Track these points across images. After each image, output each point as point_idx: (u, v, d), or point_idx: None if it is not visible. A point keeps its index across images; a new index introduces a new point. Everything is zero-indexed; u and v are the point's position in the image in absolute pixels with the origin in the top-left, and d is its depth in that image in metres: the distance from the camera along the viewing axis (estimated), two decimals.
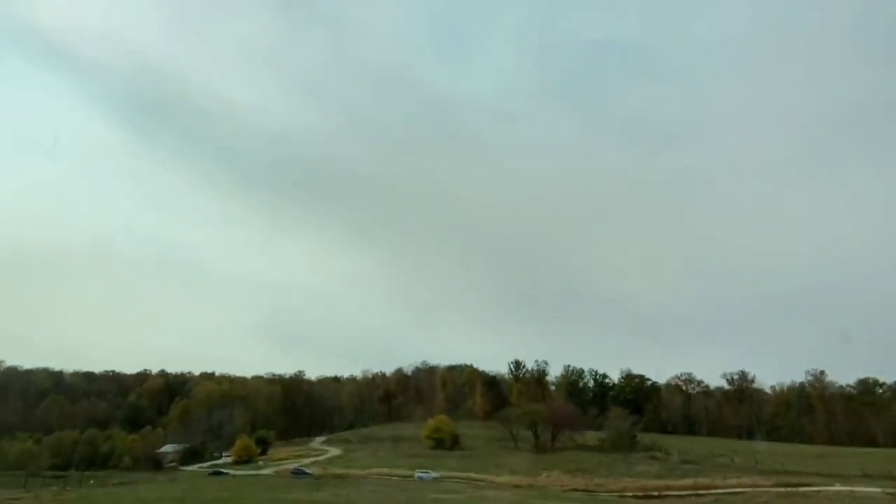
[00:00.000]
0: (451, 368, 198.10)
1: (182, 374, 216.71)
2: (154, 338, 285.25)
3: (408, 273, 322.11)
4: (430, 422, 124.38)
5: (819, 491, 72.13)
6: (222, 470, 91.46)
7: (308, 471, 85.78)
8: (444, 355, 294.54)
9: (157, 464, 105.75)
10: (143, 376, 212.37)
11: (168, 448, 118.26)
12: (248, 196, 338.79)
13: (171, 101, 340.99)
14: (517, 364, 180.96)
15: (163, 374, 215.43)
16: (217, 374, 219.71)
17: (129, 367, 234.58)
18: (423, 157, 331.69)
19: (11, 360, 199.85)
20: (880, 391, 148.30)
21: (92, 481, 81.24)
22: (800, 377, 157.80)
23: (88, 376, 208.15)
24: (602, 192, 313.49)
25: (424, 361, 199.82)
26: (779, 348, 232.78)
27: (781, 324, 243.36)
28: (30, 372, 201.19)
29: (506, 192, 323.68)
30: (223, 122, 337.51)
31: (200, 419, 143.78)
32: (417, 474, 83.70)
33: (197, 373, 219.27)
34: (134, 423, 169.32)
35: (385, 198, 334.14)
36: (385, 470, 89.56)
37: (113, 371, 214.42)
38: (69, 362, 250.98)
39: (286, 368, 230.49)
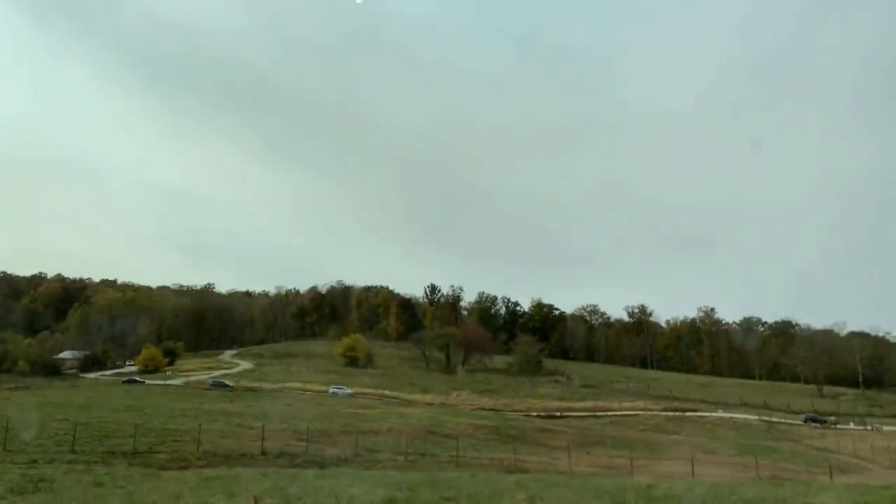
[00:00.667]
0: (367, 289, 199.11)
1: (81, 280, 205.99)
2: (51, 242, 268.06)
3: (325, 192, 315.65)
4: (345, 340, 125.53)
5: (703, 416, 79.48)
6: (137, 378, 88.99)
7: (228, 383, 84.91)
8: (359, 276, 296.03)
9: (54, 370, 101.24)
10: (37, 280, 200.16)
11: (67, 354, 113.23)
12: (156, 95, 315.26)
13: None
14: (433, 288, 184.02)
15: (60, 278, 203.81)
16: (119, 282, 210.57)
17: (23, 269, 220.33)
18: (349, 73, 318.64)
19: None
20: (761, 329, 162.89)
21: None
22: (693, 313, 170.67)
23: None
24: (527, 126, 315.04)
25: (340, 281, 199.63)
26: (676, 287, 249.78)
27: (681, 263, 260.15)
28: None
29: (431, 117, 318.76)
30: (127, 6, 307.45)
31: (102, 327, 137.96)
32: (332, 390, 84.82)
33: (97, 279, 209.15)
34: (30, 327, 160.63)
35: (307, 112, 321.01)
36: (299, 384, 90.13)
37: (4, 272, 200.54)
38: None
39: (195, 281, 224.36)
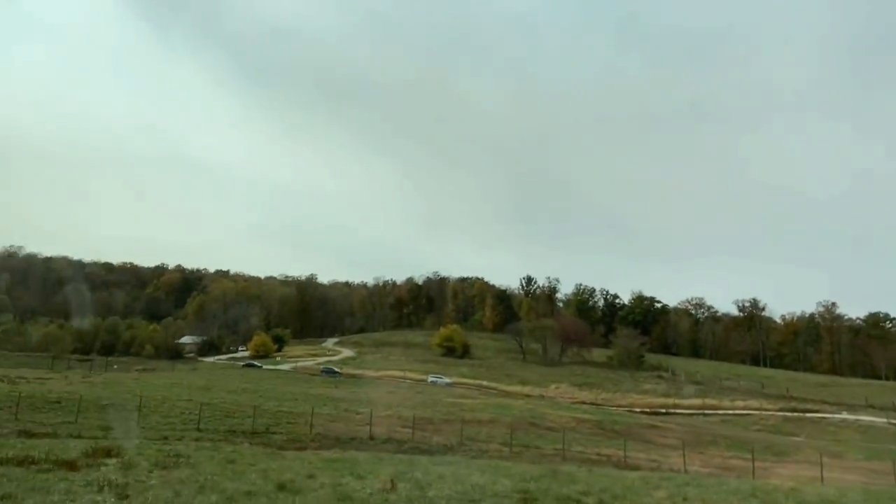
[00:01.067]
0: (462, 280, 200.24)
1: (198, 271, 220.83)
2: (170, 234, 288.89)
3: (421, 184, 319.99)
4: (442, 330, 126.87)
5: (825, 417, 73.69)
6: (255, 363, 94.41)
7: (336, 369, 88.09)
8: (455, 267, 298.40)
9: (176, 354, 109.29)
10: (160, 270, 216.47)
11: (187, 339, 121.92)
12: (261, 95, 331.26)
13: None
14: (528, 280, 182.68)
15: (179, 269, 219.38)
16: (232, 272, 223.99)
17: (147, 260, 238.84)
18: (440, 65, 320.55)
19: (31, 248, 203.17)
20: (889, 325, 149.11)
21: (116, 366, 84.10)
22: (811, 308, 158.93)
23: (107, 267, 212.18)
24: (625, 112, 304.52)
25: (436, 272, 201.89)
26: (793, 280, 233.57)
27: (799, 256, 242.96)
28: (50, 259, 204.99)
29: (525, 107, 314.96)
30: (235, 13, 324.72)
31: (216, 314, 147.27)
32: (430, 378, 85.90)
33: (212, 270, 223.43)
34: (152, 314, 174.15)
35: (401, 105, 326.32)
36: (398, 373, 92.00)
37: (131, 263, 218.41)
38: (88, 253, 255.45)
39: (297, 272, 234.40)
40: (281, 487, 10.00)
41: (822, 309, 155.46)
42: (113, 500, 8.14)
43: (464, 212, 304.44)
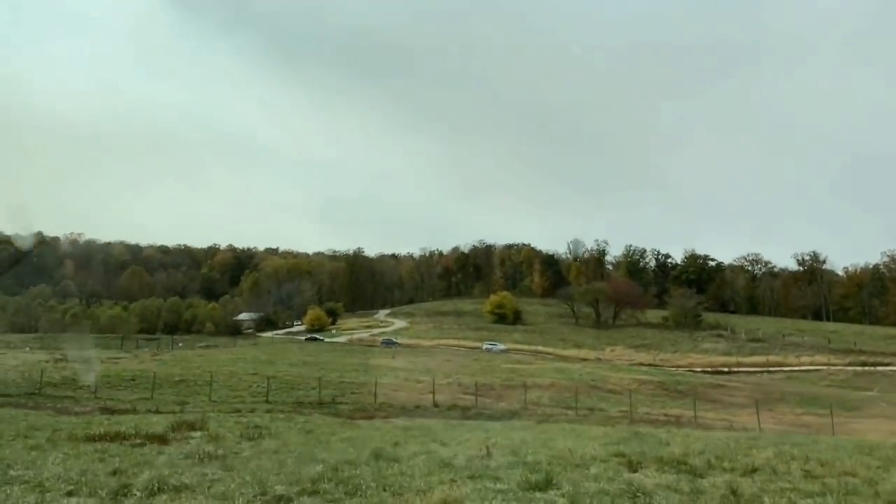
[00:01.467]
0: (509, 247, 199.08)
1: (249, 250, 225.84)
2: (219, 215, 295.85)
3: (463, 152, 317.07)
4: (493, 297, 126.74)
5: None
6: (317, 336, 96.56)
7: (396, 340, 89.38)
8: (500, 234, 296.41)
9: (235, 330, 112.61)
10: (213, 250, 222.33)
11: (244, 316, 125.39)
12: (294, 73, 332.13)
13: None
14: (576, 243, 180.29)
15: (231, 248, 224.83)
16: (281, 250, 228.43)
17: (200, 241, 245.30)
18: (473, 30, 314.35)
19: (90, 234, 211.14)
20: None
21: (181, 344, 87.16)
22: (875, 259, 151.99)
23: (163, 249, 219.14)
24: (668, 67, 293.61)
25: (482, 240, 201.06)
26: (855, 231, 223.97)
27: (858, 205, 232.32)
28: (108, 245, 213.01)
29: (562, 68, 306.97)
30: None
31: (271, 291, 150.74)
32: (485, 346, 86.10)
33: (262, 248, 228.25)
34: (208, 293, 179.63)
35: (435, 73, 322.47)
36: (452, 341, 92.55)
37: (185, 245, 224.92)
38: (144, 237, 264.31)
39: (345, 246, 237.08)
40: (377, 456, 9.81)
41: (886, 259, 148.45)
42: (220, 471, 8.05)
43: (505, 178, 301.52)
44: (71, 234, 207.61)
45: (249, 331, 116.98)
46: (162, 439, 13.62)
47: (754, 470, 8.74)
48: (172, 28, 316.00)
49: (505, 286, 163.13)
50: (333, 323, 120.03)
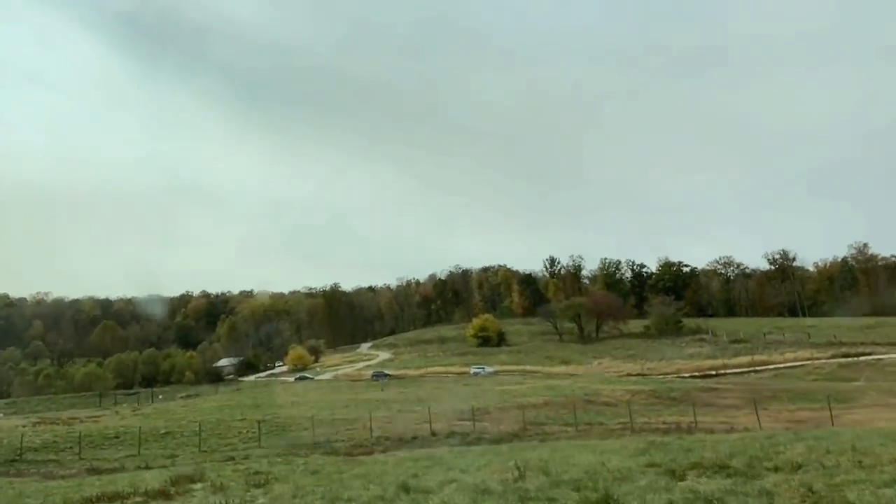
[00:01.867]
0: (486, 270, 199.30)
1: (223, 294, 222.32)
2: (189, 262, 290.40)
3: (429, 180, 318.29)
4: (475, 321, 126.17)
5: (881, 359, 71.91)
6: (307, 375, 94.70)
7: (387, 372, 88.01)
8: (476, 258, 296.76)
9: (216, 377, 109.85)
10: (186, 298, 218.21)
11: (224, 362, 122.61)
12: (258, 114, 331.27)
13: (169, 22, 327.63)
14: (552, 261, 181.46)
15: (204, 294, 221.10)
16: (255, 291, 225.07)
17: (171, 290, 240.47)
18: (430, 60, 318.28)
19: (58, 292, 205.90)
20: None
21: (161, 396, 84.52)
22: (843, 252, 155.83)
23: (134, 302, 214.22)
24: (621, 79, 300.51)
25: (457, 265, 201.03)
26: (820, 226, 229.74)
27: (822, 201, 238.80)
28: (77, 301, 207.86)
29: (518, 89, 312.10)
30: (222, 39, 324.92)
31: (248, 333, 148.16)
32: (473, 370, 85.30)
33: (236, 291, 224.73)
34: (185, 341, 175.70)
35: (395, 106, 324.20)
36: (439, 368, 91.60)
37: (157, 294, 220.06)
38: (113, 290, 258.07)
39: (320, 282, 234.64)
40: (405, 489, 9.31)
41: (854, 251, 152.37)
42: None
43: (476, 203, 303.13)
44: (37, 293, 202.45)
45: (230, 376, 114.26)
46: (165, 495, 12.86)
47: (799, 467, 8.45)
48: (128, 79, 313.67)
49: (485, 309, 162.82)
50: (316, 360, 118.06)
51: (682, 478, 8.30)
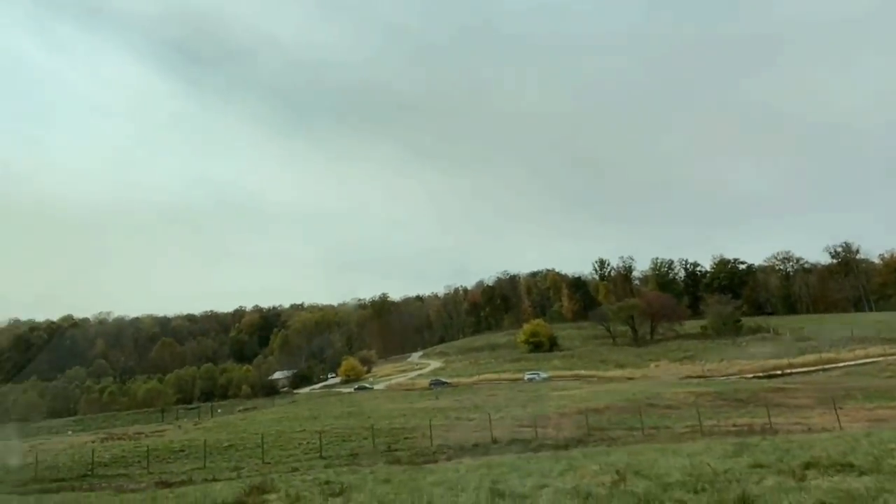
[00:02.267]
0: (534, 275, 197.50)
1: (274, 308, 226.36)
2: (243, 278, 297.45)
3: (475, 187, 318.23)
4: (526, 326, 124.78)
5: None
6: (366, 385, 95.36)
7: (445, 380, 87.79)
8: (523, 264, 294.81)
9: (272, 390, 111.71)
10: (240, 313, 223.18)
11: (278, 375, 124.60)
12: (303, 130, 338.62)
13: (215, 45, 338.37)
14: (601, 263, 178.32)
15: (257, 309, 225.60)
16: (306, 304, 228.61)
17: (225, 306, 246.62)
18: (473, 67, 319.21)
19: (119, 311, 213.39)
20: None
21: (220, 410, 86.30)
22: None
23: (190, 318, 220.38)
24: (665, 78, 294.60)
25: (505, 271, 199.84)
26: (886, 216, 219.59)
27: (886, 191, 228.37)
28: (137, 320, 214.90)
29: (564, 93, 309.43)
30: (267, 59, 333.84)
31: (301, 346, 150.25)
32: (527, 376, 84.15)
33: (287, 305, 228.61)
34: (239, 356, 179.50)
35: (438, 115, 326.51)
36: (492, 375, 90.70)
37: (212, 311, 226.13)
38: (171, 308, 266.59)
39: (368, 293, 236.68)
40: (499, 495, 8.85)
41: None
42: None
43: (522, 208, 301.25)
44: (99, 313, 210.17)
45: (285, 389, 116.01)
46: None
47: None
48: (174, 102, 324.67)
49: (535, 314, 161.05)
50: (368, 371, 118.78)
51: (803, 478, 7.60)
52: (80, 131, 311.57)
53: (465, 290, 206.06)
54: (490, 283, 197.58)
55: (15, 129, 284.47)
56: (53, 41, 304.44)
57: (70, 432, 72.37)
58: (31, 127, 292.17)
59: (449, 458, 30.41)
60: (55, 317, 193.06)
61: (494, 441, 35.45)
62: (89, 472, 33.24)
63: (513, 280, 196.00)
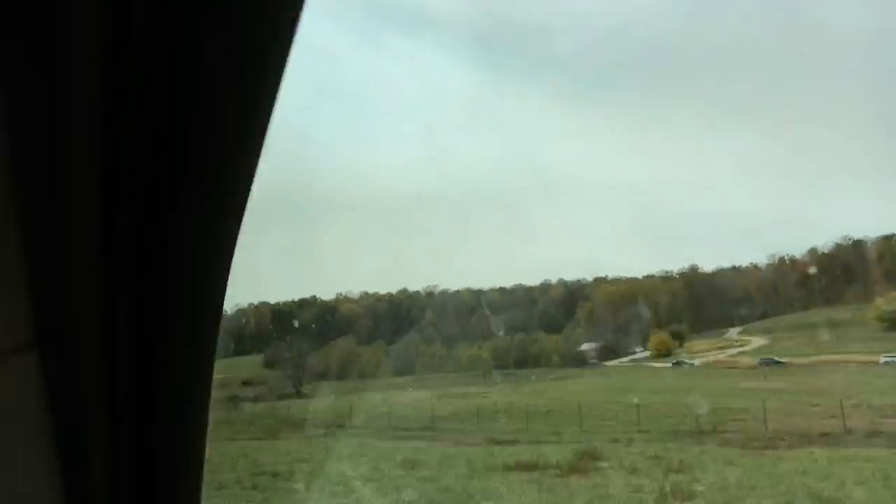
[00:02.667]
0: (887, 238, 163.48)
1: (578, 281, 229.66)
2: (545, 252, 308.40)
3: (791, 145, 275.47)
4: (879, 300, 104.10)
5: None
6: (685, 361, 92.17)
7: (778, 359, 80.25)
8: (868, 226, 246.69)
9: (581, 360, 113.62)
10: (545, 286, 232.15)
11: (586, 346, 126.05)
12: (601, 100, 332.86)
13: (509, 28, 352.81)
14: None
15: (562, 282, 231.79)
16: (609, 277, 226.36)
17: (531, 280, 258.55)
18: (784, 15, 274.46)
19: (444, 284, 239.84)
20: None
21: (534, 377, 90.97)
22: None
23: (502, 291, 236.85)
24: None
25: (846, 236, 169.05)
26: None
27: None
28: (457, 293, 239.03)
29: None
30: (561, 34, 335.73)
31: (607, 319, 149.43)
32: (884, 359, 70.46)
33: (590, 279, 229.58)
34: (545, 327, 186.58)
35: (753, 69, 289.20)
36: (834, 357, 78.07)
37: (520, 284, 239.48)
38: (484, 281, 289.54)
39: (675, 265, 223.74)
40: None
41: None
42: None
43: (865, 160, 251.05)
44: (428, 286, 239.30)
45: (593, 360, 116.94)
46: (579, 470, 12.67)
47: None
48: (483, 91, 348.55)
49: (890, 286, 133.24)
50: (680, 346, 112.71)
51: None
52: None
53: (794, 260, 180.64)
54: (825, 251, 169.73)
55: None
56: None
57: (410, 389, 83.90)
58: None
59: (791, 447, 26.79)
60: (393, 290, 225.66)
61: (849, 431, 30.17)
62: (430, 425, 37.78)
63: (857, 246, 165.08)
